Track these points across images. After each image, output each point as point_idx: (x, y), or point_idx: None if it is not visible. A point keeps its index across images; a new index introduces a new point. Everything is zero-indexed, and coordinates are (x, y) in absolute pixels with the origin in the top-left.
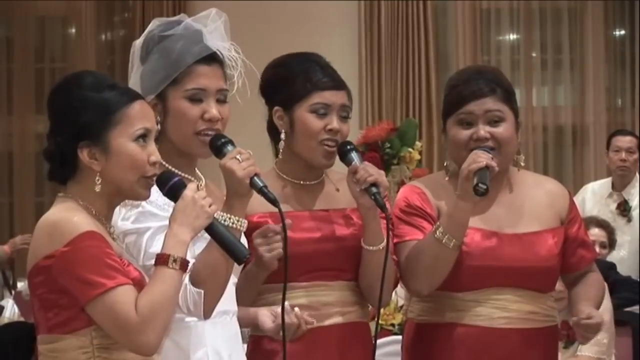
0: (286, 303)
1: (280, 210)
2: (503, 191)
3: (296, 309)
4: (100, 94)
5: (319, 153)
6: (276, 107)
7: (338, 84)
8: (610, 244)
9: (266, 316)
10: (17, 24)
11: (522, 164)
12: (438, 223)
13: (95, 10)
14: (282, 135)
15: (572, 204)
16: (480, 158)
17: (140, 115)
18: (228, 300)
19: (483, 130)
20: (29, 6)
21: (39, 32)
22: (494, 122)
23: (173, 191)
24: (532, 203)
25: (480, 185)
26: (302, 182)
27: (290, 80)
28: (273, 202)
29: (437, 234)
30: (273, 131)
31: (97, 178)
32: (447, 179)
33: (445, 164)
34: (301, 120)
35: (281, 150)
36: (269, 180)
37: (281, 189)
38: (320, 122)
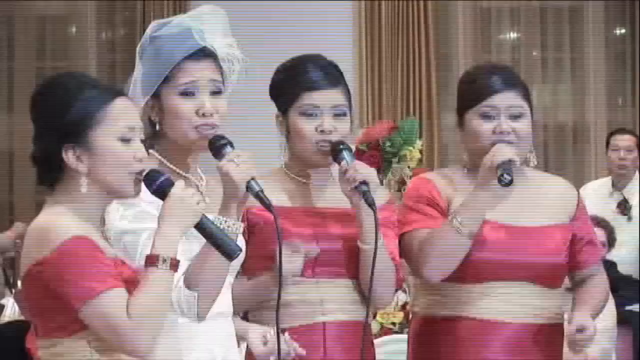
0: (272, 331)
1: (275, 215)
2: (514, 186)
3: (286, 334)
4: (81, 94)
5: (315, 154)
6: (276, 113)
7: (328, 83)
8: (609, 242)
9: (257, 338)
10: (18, 23)
11: (535, 162)
12: (456, 211)
13: (96, 9)
14: (285, 140)
15: (580, 203)
16: (505, 150)
17: (123, 113)
18: (224, 301)
19: (506, 124)
20: (30, 5)
21: (40, 31)
22: (515, 116)
23: (161, 189)
24: (541, 198)
25: (505, 176)
26: (306, 181)
27: (284, 85)
28: (268, 207)
29: (454, 222)
30: None
31: (82, 179)
32: (465, 171)
33: (464, 158)
34: (293, 124)
35: (285, 154)
36: (275, 176)
37: (285, 185)
38: (311, 123)
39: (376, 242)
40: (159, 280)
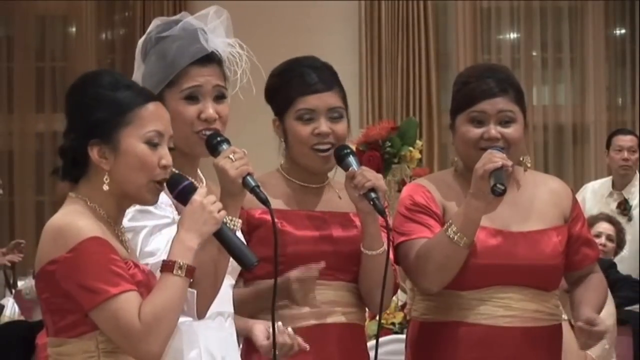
0: (279, 324)
1: (271, 210)
2: (508, 190)
3: (289, 329)
4: (115, 92)
5: (314, 160)
6: (274, 118)
7: (323, 87)
8: (618, 242)
9: (261, 332)
10: (17, 23)
11: (529, 165)
12: (450, 221)
13: (95, 9)
14: (282, 145)
15: (575, 203)
16: (496, 158)
17: (153, 117)
18: (224, 301)
19: (494, 130)
20: (29, 5)
21: (40, 30)
22: (505, 122)
23: (183, 195)
24: (536, 202)
25: (498, 185)
26: (304, 185)
27: (279, 90)
28: (264, 202)
29: (449, 232)
30: None
31: (105, 177)
32: (458, 174)
33: (455, 159)
34: (290, 129)
35: (284, 159)
36: (272, 180)
37: (283, 188)
38: (307, 127)
39: (388, 250)
40: (173, 286)
